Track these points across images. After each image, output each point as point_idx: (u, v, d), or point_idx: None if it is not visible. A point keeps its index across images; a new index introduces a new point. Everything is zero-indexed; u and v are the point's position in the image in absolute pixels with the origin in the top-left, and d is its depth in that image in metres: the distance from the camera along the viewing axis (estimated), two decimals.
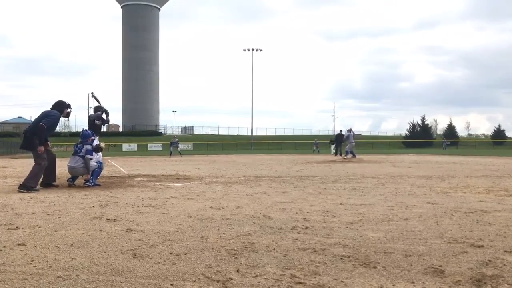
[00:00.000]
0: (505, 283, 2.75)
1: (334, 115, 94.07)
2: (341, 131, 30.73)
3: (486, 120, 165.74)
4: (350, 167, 15.91)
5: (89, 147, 9.14)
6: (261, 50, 72.47)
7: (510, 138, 69.55)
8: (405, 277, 2.86)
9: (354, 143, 24.60)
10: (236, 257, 3.32)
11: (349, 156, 24.19)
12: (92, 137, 9.42)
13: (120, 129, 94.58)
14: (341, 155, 27.56)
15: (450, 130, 75.02)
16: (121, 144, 54.78)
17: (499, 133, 68.69)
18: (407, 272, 2.97)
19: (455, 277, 2.85)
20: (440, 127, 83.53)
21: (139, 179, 10.66)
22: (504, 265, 3.13)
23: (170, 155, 30.58)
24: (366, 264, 3.14)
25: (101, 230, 4.33)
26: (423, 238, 3.99)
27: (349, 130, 25.46)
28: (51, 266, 3.09)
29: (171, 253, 3.44)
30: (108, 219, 4.95)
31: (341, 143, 28.42)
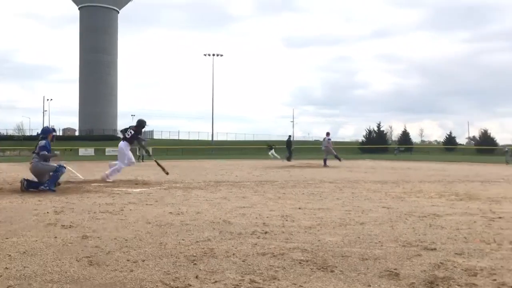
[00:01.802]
0: (456, 284, 2.86)
1: (293, 121, 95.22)
2: (289, 136, 30.93)
3: (438, 126, 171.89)
4: (308, 172, 16.11)
5: (42, 142, 9.06)
6: (221, 55, 72.42)
7: (460, 144, 72.34)
8: (362, 281, 2.93)
9: (329, 148, 22.98)
10: (195, 263, 3.30)
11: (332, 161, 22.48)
12: (53, 133, 9.55)
13: (77, 133, 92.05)
14: (289, 160, 27.66)
15: (405, 136, 77.16)
16: (78, 149, 53.33)
17: (450, 140, 71.23)
18: (364, 275, 3.04)
19: (409, 280, 2.94)
20: (395, 134, 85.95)
21: (95, 184, 10.41)
22: (455, 267, 3.25)
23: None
24: (324, 268, 3.19)
25: (55, 237, 4.20)
26: (379, 242, 4.10)
27: (327, 134, 23.87)
28: (1, 275, 2.97)
29: (128, 260, 3.38)
30: (63, 226, 4.81)
31: (290, 148, 28.72)
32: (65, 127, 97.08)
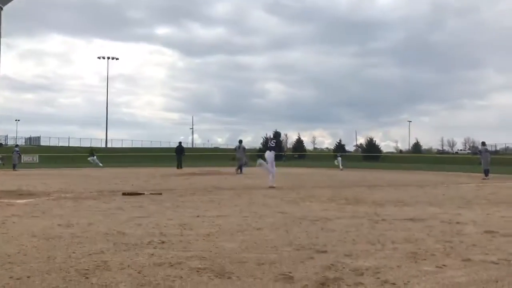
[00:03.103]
0: (345, 284, 3.04)
1: (192, 128, 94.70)
2: (180, 143, 30.49)
3: (330, 135, 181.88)
4: (208, 180, 16.13)
5: None
6: (117, 58, 70.10)
7: (349, 151, 77.12)
8: (258, 285, 2.99)
9: (241, 156, 22.51)
10: (87, 277, 3.14)
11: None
12: None
13: None
14: (181, 167, 27.33)
15: (299, 143, 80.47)
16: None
17: (340, 147, 75.59)
18: (260, 280, 3.11)
19: (302, 282, 3.06)
20: (290, 141, 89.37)
21: None
22: (344, 267, 3.46)
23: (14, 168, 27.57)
24: (221, 275, 3.21)
25: None
26: (275, 246, 4.22)
27: (240, 141, 23.46)
28: None
29: (11, 277, 3.11)
30: None
31: (181, 155, 28.31)
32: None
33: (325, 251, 4.02)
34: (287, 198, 9.05)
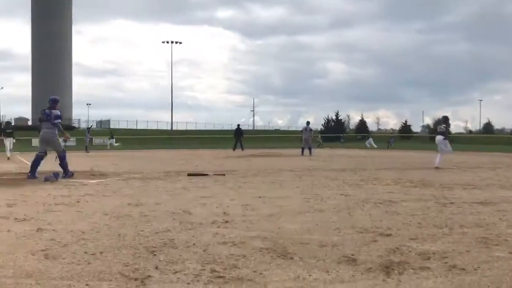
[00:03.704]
0: (410, 268, 2.96)
1: (253, 110, 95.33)
2: (238, 125, 30.66)
3: (395, 115, 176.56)
4: (269, 161, 16.22)
5: (57, 111, 9.72)
6: (180, 43, 71.51)
7: (415, 132, 74.51)
8: (320, 267, 2.98)
9: (308, 138, 22.50)
10: (155, 254, 3.27)
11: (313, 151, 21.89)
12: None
13: (30, 123, 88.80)
14: (239, 149, 27.67)
15: (362, 125, 78.72)
16: (31, 139, 51.50)
17: (406, 128, 73.19)
18: (322, 261, 3.10)
19: (366, 265, 3.02)
20: (353, 122, 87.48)
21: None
22: (410, 251, 3.37)
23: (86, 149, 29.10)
24: (283, 256, 3.23)
25: (8, 231, 4.06)
26: (337, 228, 4.19)
27: (307, 123, 23.44)
28: None
29: (86, 253, 3.31)
30: (17, 219, 4.65)
31: (240, 138, 28.66)
32: (17, 116, 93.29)
33: (389, 234, 3.93)
34: (350, 180, 8.92)
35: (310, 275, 2.81)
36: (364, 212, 5.09)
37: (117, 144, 40.18)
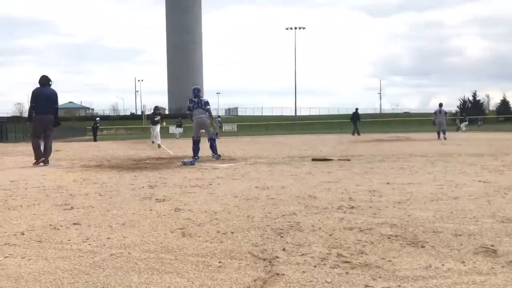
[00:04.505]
0: None
1: (380, 93, 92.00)
2: (356, 109, 29.57)
3: None
4: (397, 146, 15.58)
5: (205, 98, 11.32)
6: (304, 28, 71.56)
7: None
8: (455, 257, 2.80)
9: (443, 121, 21.19)
10: (282, 236, 3.35)
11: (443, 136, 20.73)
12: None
13: (167, 112, 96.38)
14: (358, 134, 26.94)
15: (504, 105, 71.51)
16: (168, 127, 55.87)
17: None
18: (457, 251, 2.90)
19: (508, 257, 2.76)
20: (493, 103, 79.79)
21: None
22: None
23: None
24: (414, 244, 3.09)
25: (150, 210, 4.47)
26: (474, 217, 3.88)
27: (440, 105, 22.16)
28: (104, 244, 3.22)
29: (218, 232, 3.51)
30: (157, 199, 5.09)
31: (357, 121, 27.88)
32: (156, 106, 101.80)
33: None
34: (489, 166, 8.19)
35: (443, 265, 2.65)
36: (506, 200, 4.64)
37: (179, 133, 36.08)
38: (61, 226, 3.83)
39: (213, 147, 10.90)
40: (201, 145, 10.94)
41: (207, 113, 10.92)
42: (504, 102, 73.08)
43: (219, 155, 10.89)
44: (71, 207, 4.70)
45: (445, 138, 19.72)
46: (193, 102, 10.97)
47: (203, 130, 11.05)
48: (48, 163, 10.12)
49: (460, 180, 6.29)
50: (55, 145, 20.69)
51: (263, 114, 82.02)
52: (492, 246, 3.00)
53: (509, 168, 7.67)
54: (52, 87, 10.32)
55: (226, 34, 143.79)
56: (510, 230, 3.40)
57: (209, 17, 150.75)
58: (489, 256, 2.80)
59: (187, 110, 11.16)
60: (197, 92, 11.12)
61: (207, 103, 10.96)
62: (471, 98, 71.22)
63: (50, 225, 3.88)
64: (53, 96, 10.37)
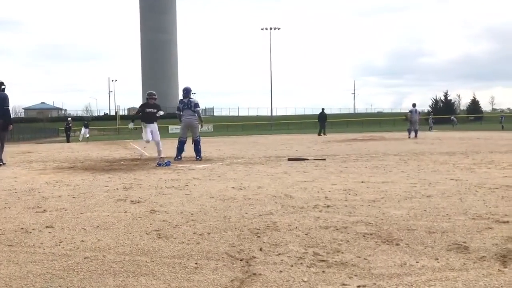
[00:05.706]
0: None
1: (354, 93, 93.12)
2: (323, 109, 29.99)
3: None
4: (371, 145, 15.79)
5: (195, 100, 11.30)
6: (279, 28, 71.82)
7: None
8: (429, 254, 2.85)
9: (416, 120, 21.90)
10: (259, 236, 3.35)
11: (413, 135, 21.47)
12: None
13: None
14: (324, 134, 27.38)
15: (474, 105, 73.28)
16: (141, 127, 55.36)
17: None
18: (431, 248, 2.96)
19: (479, 253, 2.83)
20: (464, 102, 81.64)
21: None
22: None
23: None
24: (389, 241, 3.14)
25: (125, 212, 4.41)
26: (447, 214, 3.96)
27: (414, 105, 22.64)
28: (78, 247, 3.17)
29: (194, 233, 3.49)
30: (132, 201, 5.03)
31: (324, 121, 28.35)
32: (130, 106, 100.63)
33: (506, 222, 3.63)
34: (461, 164, 8.38)
35: (417, 262, 2.69)
36: (477, 198, 4.75)
37: (88, 136, 35.04)
38: (33, 229, 3.75)
39: (197, 150, 10.91)
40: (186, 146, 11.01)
41: (196, 114, 10.96)
42: (474, 102, 74.87)
43: (201, 157, 10.87)
44: (44, 210, 4.60)
45: (416, 137, 20.18)
46: (183, 103, 11.03)
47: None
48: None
49: (433, 178, 6.42)
50: (27, 147, 20.18)
51: (239, 114, 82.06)
52: (464, 242, 3.07)
53: (479, 166, 7.86)
54: (9, 90, 10.58)
55: (202, 34, 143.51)
56: (481, 227, 3.48)
57: (184, 16, 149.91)
58: (462, 252, 2.86)
59: (176, 110, 11.15)
60: (186, 93, 11.21)
61: (196, 104, 11.00)
62: (442, 98, 72.64)
63: (22, 228, 3.79)
64: (3, 100, 10.52)
